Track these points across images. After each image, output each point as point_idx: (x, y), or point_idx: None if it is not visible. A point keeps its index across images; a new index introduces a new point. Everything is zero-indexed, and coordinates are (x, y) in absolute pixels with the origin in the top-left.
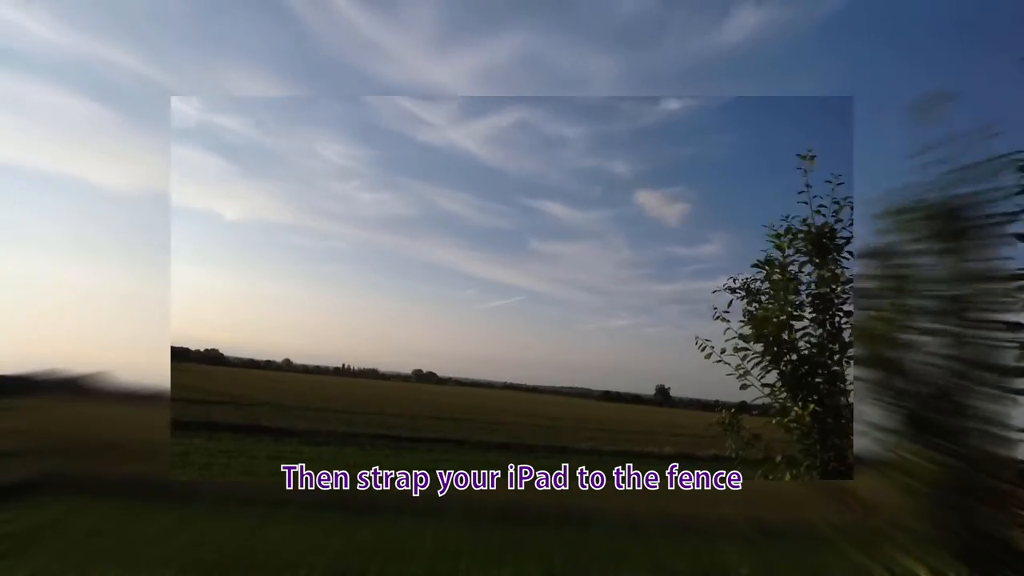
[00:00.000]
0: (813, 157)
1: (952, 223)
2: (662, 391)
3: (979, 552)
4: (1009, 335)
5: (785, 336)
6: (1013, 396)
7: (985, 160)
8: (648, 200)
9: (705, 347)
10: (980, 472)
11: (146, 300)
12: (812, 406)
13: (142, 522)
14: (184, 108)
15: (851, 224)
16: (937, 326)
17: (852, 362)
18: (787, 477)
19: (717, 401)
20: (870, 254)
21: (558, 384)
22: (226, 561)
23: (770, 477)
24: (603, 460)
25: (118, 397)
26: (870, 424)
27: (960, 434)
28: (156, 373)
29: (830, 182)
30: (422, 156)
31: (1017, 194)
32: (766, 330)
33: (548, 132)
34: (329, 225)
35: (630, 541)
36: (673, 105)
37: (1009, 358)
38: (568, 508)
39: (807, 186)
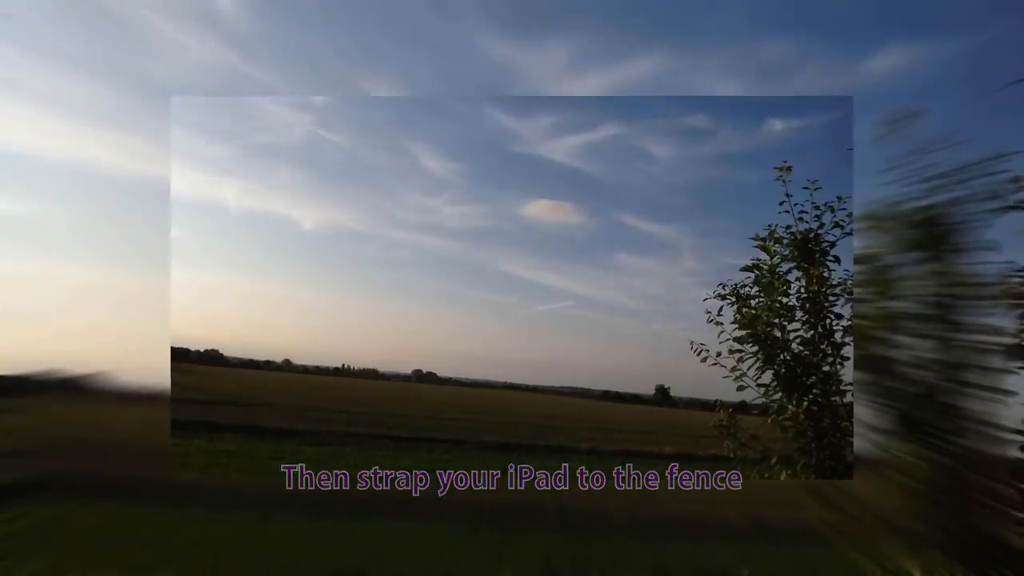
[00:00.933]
0: (789, 168)
1: (932, 230)
2: (661, 391)
3: (973, 550)
4: (993, 337)
5: (777, 335)
6: (1001, 396)
7: (959, 168)
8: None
9: (700, 351)
10: (972, 471)
11: (148, 298)
12: (806, 404)
13: (142, 522)
14: (289, 119)
15: (833, 227)
16: (923, 329)
17: (845, 363)
18: (783, 476)
19: (717, 401)
20: (857, 259)
21: (557, 384)
22: (225, 560)
23: (766, 476)
24: (603, 460)
25: (118, 397)
26: (864, 424)
27: (952, 433)
28: (158, 373)
29: (807, 188)
30: (513, 168)
31: (991, 199)
32: (757, 328)
33: (640, 148)
34: (404, 235)
35: (629, 541)
36: (776, 126)
37: (994, 359)
38: (568, 508)
39: (787, 195)
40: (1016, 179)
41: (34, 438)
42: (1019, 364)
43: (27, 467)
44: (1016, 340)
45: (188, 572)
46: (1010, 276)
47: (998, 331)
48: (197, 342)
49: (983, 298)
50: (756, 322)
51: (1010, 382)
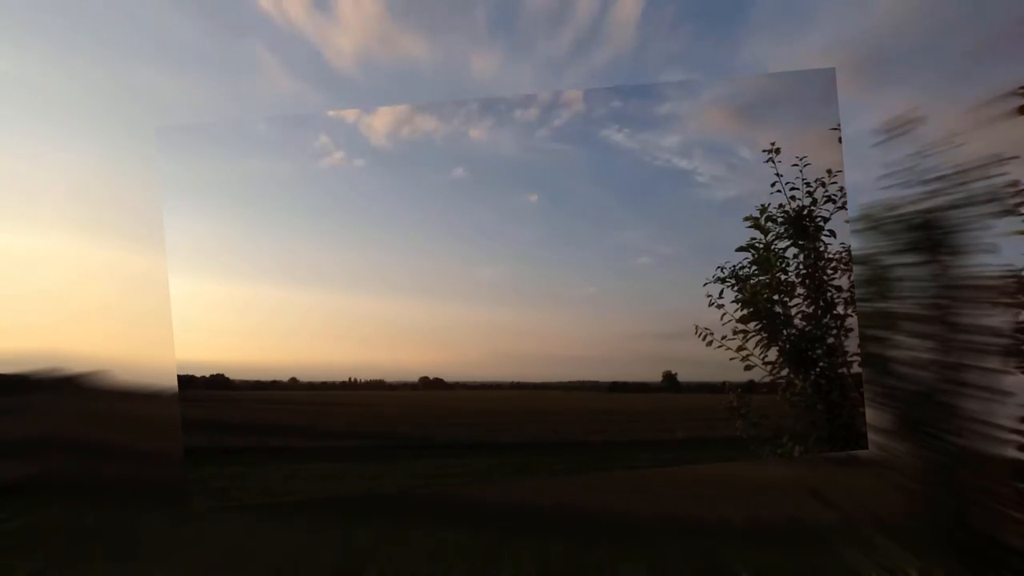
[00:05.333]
0: (778, 150)
1: (930, 232)
2: (669, 377)
3: (970, 550)
4: (990, 338)
5: (779, 311)
6: (999, 395)
7: (958, 171)
8: None
9: (705, 335)
10: (970, 470)
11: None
12: (813, 377)
13: (143, 521)
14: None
15: (826, 202)
16: (922, 329)
17: (849, 334)
18: (796, 452)
19: (724, 382)
20: (856, 260)
21: (565, 379)
22: (225, 560)
23: (779, 453)
24: (616, 451)
25: (119, 395)
26: (870, 402)
27: (950, 433)
28: (159, 372)
29: (796, 165)
30: None
31: (990, 202)
32: (758, 304)
33: None
34: None
35: (630, 538)
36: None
37: (992, 360)
38: (578, 505)
39: (777, 175)
40: (1014, 183)
41: (33, 437)
42: (1016, 364)
43: (27, 466)
44: (1012, 341)
45: (189, 571)
46: (1007, 278)
47: (995, 332)
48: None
49: (981, 300)
50: (756, 298)
51: (1007, 382)
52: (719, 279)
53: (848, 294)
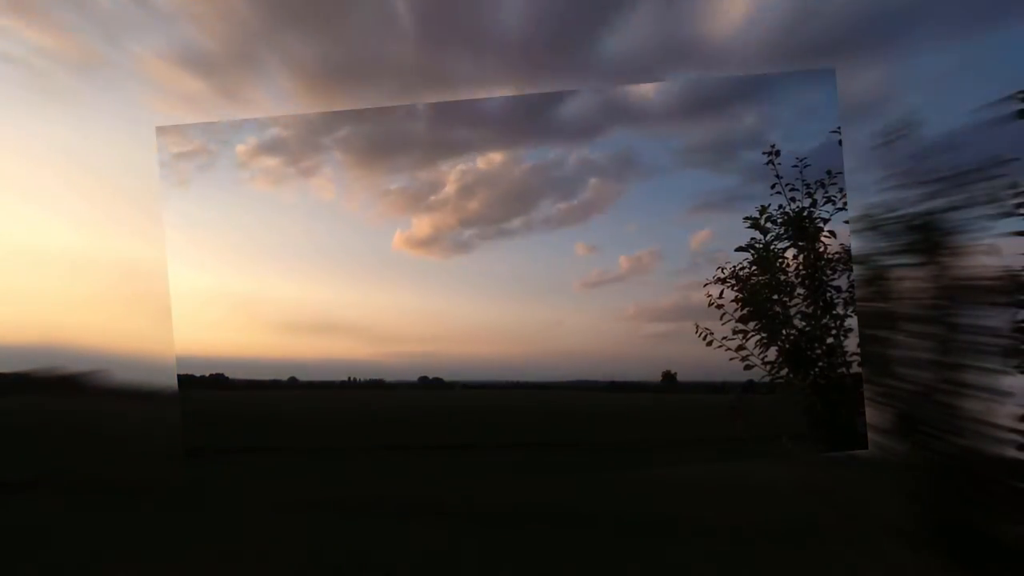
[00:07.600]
0: (778, 152)
1: (930, 234)
2: (668, 377)
3: (969, 549)
4: (989, 339)
5: (778, 310)
6: (999, 395)
7: (957, 172)
8: None
9: (705, 335)
10: (969, 470)
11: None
12: (812, 377)
13: (143, 521)
14: None
15: (825, 203)
16: (922, 329)
17: (848, 335)
18: (796, 451)
19: (724, 383)
20: (856, 260)
21: (565, 379)
22: (225, 559)
23: (779, 452)
24: (616, 451)
25: (119, 395)
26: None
27: (949, 433)
28: (159, 371)
29: (796, 166)
30: None
31: (989, 204)
32: (758, 304)
33: None
34: None
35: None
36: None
37: (991, 360)
38: (578, 505)
39: (777, 177)
40: (1013, 184)
41: (33, 437)
42: (1015, 364)
43: (26, 465)
44: (1012, 341)
45: (189, 570)
46: (1006, 279)
47: (995, 332)
48: None
49: (980, 300)
50: (756, 298)
51: (1007, 382)
52: (719, 279)
53: (848, 294)
